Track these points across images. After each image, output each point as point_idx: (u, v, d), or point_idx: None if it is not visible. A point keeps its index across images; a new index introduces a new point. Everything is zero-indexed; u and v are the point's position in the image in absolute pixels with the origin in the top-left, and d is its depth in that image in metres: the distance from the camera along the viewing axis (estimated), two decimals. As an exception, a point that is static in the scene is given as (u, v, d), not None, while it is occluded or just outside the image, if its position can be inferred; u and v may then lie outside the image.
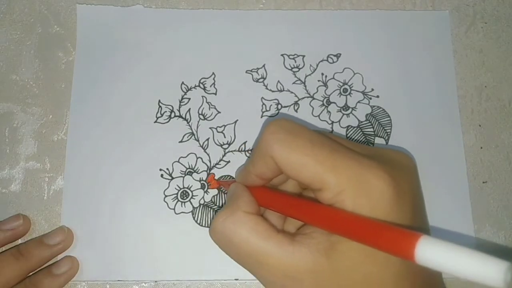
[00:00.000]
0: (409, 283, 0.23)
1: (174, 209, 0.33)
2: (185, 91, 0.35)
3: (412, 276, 0.23)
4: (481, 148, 0.35)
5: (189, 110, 0.35)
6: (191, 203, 0.33)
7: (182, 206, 0.33)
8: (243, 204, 0.25)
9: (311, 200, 0.24)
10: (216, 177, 0.34)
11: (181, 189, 0.33)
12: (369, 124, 0.35)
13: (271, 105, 0.35)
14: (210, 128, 0.35)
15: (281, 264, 0.23)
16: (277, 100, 0.35)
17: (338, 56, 0.36)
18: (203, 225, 0.33)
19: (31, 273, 0.31)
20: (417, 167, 0.26)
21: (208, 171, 0.34)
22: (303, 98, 0.36)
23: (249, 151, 0.34)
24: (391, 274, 0.22)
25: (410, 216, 0.23)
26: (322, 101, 0.36)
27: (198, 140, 0.34)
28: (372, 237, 0.19)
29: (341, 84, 0.36)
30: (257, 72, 0.36)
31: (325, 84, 0.36)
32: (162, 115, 0.35)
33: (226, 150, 0.34)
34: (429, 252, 0.16)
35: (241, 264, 0.25)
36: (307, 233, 0.23)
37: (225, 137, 0.35)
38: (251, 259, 0.24)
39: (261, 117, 0.35)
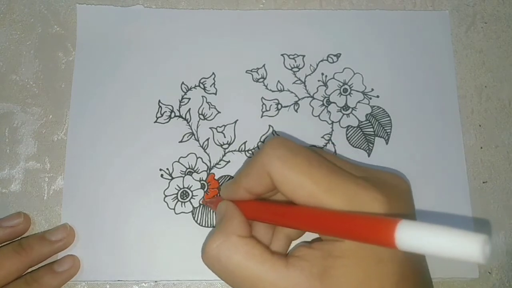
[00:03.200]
0: None
1: (174, 209, 0.33)
2: (185, 91, 0.35)
3: None
4: (481, 148, 0.35)
5: (189, 110, 0.35)
6: (191, 203, 0.33)
7: (182, 206, 0.33)
8: (237, 228, 0.25)
9: (297, 206, 0.24)
10: (216, 177, 0.34)
11: (181, 189, 0.33)
12: (369, 124, 0.35)
13: (271, 105, 0.35)
14: (210, 128, 0.35)
15: (279, 285, 0.23)
16: (277, 100, 0.35)
17: (338, 56, 0.36)
18: (203, 225, 0.33)
19: (32, 269, 0.31)
20: (411, 189, 0.27)
21: (208, 171, 0.34)
22: (303, 98, 0.36)
23: (249, 151, 0.34)
24: None
25: None
26: (322, 101, 0.36)
27: (198, 140, 0.34)
28: (354, 229, 0.20)
29: (341, 84, 0.36)
30: (257, 72, 0.36)
31: (325, 84, 0.36)
32: (162, 115, 0.35)
33: (226, 150, 0.34)
34: (409, 235, 0.16)
35: (234, 287, 0.25)
36: (300, 255, 0.24)
37: (225, 137, 0.35)
38: (246, 284, 0.24)
39: (261, 117, 0.35)
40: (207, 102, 0.35)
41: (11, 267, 0.29)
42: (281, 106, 0.35)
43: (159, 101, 0.35)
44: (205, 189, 0.34)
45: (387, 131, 0.35)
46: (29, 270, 0.31)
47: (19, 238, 0.32)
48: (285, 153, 0.24)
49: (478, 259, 0.14)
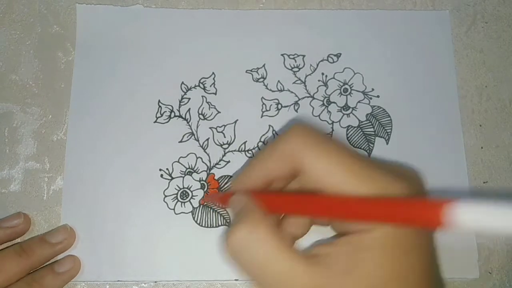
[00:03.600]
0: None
1: (174, 209, 0.33)
2: (185, 91, 0.35)
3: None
4: (482, 148, 0.35)
5: (189, 110, 0.35)
6: (191, 203, 0.33)
7: (182, 206, 0.33)
8: (261, 218, 0.23)
9: (326, 195, 0.23)
10: (216, 177, 0.34)
11: (181, 189, 0.33)
12: (370, 124, 0.35)
13: (271, 105, 0.35)
14: (210, 128, 0.35)
15: (304, 284, 0.22)
16: (277, 100, 0.35)
17: (338, 56, 0.36)
18: (203, 225, 0.33)
19: (32, 271, 0.31)
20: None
21: (208, 171, 0.34)
22: (303, 98, 0.36)
23: (249, 151, 0.34)
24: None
25: (426, 235, 0.23)
26: (322, 101, 0.36)
27: (198, 140, 0.34)
28: (405, 214, 0.18)
29: (342, 84, 0.36)
30: (257, 72, 0.36)
31: (325, 84, 0.36)
32: (162, 115, 0.35)
33: (226, 150, 0.34)
34: (469, 214, 0.15)
35: (259, 281, 0.23)
36: (324, 253, 0.23)
37: (225, 137, 0.35)
38: (276, 279, 0.22)
39: (261, 117, 0.35)
40: (207, 102, 0.35)
41: (12, 270, 0.29)
42: (281, 106, 0.35)
43: (159, 101, 0.35)
44: (205, 189, 0.33)
45: (388, 131, 0.35)
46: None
47: (19, 238, 0.32)
48: (314, 139, 0.23)
49: None
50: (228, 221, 0.33)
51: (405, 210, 0.19)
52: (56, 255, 0.32)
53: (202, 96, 0.35)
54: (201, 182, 0.34)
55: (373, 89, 0.36)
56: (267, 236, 0.22)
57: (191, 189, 0.33)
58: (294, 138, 0.24)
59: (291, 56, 0.36)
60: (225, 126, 0.35)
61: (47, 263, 0.32)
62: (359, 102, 0.36)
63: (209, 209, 0.33)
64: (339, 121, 0.35)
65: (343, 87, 0.36)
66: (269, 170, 0.25)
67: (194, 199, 0.33)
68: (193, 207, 0.33)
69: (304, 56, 0.36)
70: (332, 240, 0.24)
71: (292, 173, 0.24)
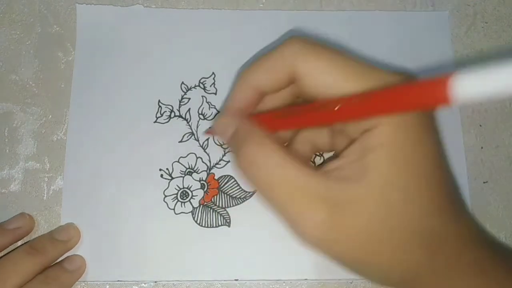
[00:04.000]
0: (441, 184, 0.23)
1: (174, 209, 0.33)
2: (185, 91, 0.35)
3: (440, 183, 0.23)
4: (482, 148, 0.35)
5: (189, 110, 0.35)
6: (191, 203, 0.33)
7: (182, 206, 0.33)
8: (266, 136, 0.23)
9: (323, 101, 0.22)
10: (216, 177, 0.34)
11: (181, 189, 0.33)
12: (370, 124, 0.35)
13: (271, 105, 0.35)
14: (210, 128, 0.35)
15: (320, 193, 0.21)
16: (277, 100, 0.35)
17: (338, 56, 0.36)
18: (203, 225, 0.33)
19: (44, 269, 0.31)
20: None
21: (208, 171, 0.34)
22: (303, 98, 0.36)
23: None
24: (425, 183, 0.22)
25: (434, 127, 0.23)
26: (322, 101, 0.36)
27: (198, 140, 0.34)
28: (406, 97, 0.18)
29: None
30: (257, 72, 0.36)
31: (325, 84, 0.36)
32: (162, 115, 0.35)
33: (226, 150, 0.34)
34: (469, 81, 0.15)
35: (272, 197, 0.23)
36: (331, 168, 0.22)
37: (225, 137, 0.34)
38: (287, 189, 0.22)
39: (261, 117, 0.35)
40: (207, 102, 0.35)
41: (28, 270, 0.29)
42: (281, 106, 0.35)
43: (159, 101, 0.35)
44: (205, 189, 0.33)
45: (388, 131, 0.35)
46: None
47: (25, 239, 0.32)
48: (311, 47, 0.23)
49: None
50: (228, 221, 0.33)
51: (408, 93, 0.18)
52: (66, 252, 0.32)
53: (202, 96, 0.35)
54: (201, 182, 0.34)
55: (373, 89, 0.36)
56: (276, 150, 0.22)
57: (191, 189, 0.33)
58: (290, 46, 0.23)
59: (291, 56, 0.36)
60: (225, 126, 0.35)
61: (55, 262, 0.32)
62: (359, 102, 0.35)
63: (209, 209, 0.33)
64: (339, 121, 0.35)
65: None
66: (260, 81, 0.24)
67: (194, 199, 0.33)
68: (193, 207, 0.33)
69: (304, 56, 0.36)
70: (340, 154, 0.23)
71: (285, 81, 0.24)
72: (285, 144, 0.28)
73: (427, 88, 0.17)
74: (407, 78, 0.22)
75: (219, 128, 0.27)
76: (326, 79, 0.22)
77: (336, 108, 0.21)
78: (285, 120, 0.24)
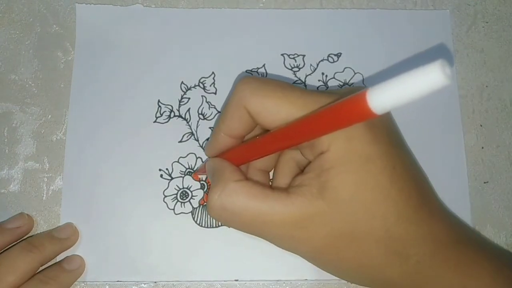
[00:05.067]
0: (403, 193, 0.24)
1: (173, 209, 0.33)
2: (185, 90, 0.35)
3: (402, 190, 0.24)
4: (482, 148, 0.35)
5: (188, 109, 0.35)
6: (190, 204, 0.33)
7: (181, 207, 0.33)
8: (231, 175, 0.25)
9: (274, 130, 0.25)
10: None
11: (180, 189, 0.33)
12: (370, 124, 0.35)
13: (271, 105, 0.35)
14: (210, 128, 0.35)
15: (284, 218, 0.23)
16: (277, 99, 0.35)
17: (338, 55, 0.36)
18: (203, 225, 0.33)
19: (41, 269, 0.31)
20: None
21: (208, 171, 0.34)
22: (303, 97, 0.35)
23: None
24: (384, 195, 0.23)
25: (386, 134, 0.25)
26: (323, 100, 0.35)
27: (198, 140, 0.34)
28: (334, 119, 0.20)
29: (342, 83, 0.36)
30: (257, 71, 0.36)
31: (326, 84, 0.36)
32: (161, 115, 0.35)
33: (226, 150, 0.34)
34: (380, 98, 0.17)
35: (248, 231, 0.26)
36: (297, 184, 0.24)
37: (225, 137, 0.34)
38: (256, 222, 0.24)
39: (261, 117, 0.35)
40: (207, 102, 0.35)
41: (26, 267, 0.29)
42: (281, 106, 0.35)
43: (159, 100, 0.35)
44: (205, 189, 0.33)
45: (388, 131, 0.35)
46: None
47: (24, 238, 0.32)
48: (258, 84, 0.25)
49: (443, 81, 0.15)
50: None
51: (332, 114, 0.20)
52: (64, 251, 0.32)
53: (202, 96, 0.35)
54: (201, 182, 0.34)
55: (373, 89, 0.36)
56: (237, 188, 0.24)
57: (191, 189, 0.33)
58: (242, 88, 0.25)
59: (291, 56, 0.36)
60: (225, 126, 0.35)
61: (55, 262, 0.32)
62: (359, 102, 0.35)
63: (209, 209, 0.33)
64: (339, 121, 0.35)
65: (343, 87, 0.36)
66: (231, 129, 0.27)
67: (194, 199, 0.33)
68: (193, 207, 0.33)
69: (304, 56, 0.36)
70: (304, 169, 0.26)
71: (249, 123, 0.26)
72: (270, 170, 0.31)
73: (349, 106, 0.19)
74: (342, 96, 0.24)
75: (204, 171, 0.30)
76: (274, 112, 0.24)
77: (257, 137, 0.25)
78: (249, 151, 0.27)
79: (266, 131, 0.29)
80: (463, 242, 0.26)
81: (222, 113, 0.27)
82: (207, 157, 0.30)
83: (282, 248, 0.26)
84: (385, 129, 0.25)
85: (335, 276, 0.28)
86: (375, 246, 0.24)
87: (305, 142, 0.24)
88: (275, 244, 0.26)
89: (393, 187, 0.24)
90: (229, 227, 0.26)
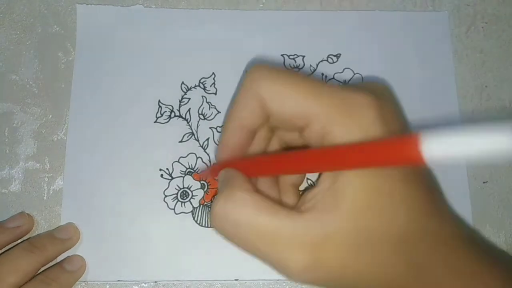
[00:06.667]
0: (419, 198, 0.23)
1: (174, 209, 0.33)
2: (185, 91, 0.35)
3: (416, 195, 0.23)
4: (482, 148, 0.35)
5: (189, 110, 0.35)
6: (191, 203, 0.33)
7: (182, 206, 0.33)
8: (240, 184, 0.23)
9: (299, 150, 0.24)
10: (216, 177, 0.34)
11: (181, 189, 0.33)
12: (369, 124, 0.35)
13: (271, 105, 0.35)
14: (210, 128, 0.35)
15: (297, 236, 0.21)
16: (277, 100, 0.35)
17: (338, 56, 0.36)
18: (203, 225, 0.33)
19: (42, 269, 0.31)
20: (395, 95, 0.26)
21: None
22: (303, 98, 0.35)
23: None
24: (399, 201, 0.22)
25: (399, 132, 0.23)
26: (322, 101, 0.35)
27: (198, 140, 0.34)
28: (375, 157, 0.18)
29: (341, 84, 0.36)
30: (257, 72, 0.36)
31: (325, 84, 0.36)
32: (162, 115, 0.35)
33: (226, 150, 0.34)
34: (435, 147, 0.15)
35: (252, 250, 0.23)
36: (309, 198, 0.23)
37: (225, 137, 0.34)
38: (264, 239, 0.22)
39: (261, 117, 0.35)
40: (207, 102, 0.35)
41: (27, 267, 0.29)
42: (281, 106, 0.35)
43: (159, 101, 0.35)
44: (205, 189, 0.33)
45: (387, 131, 0.35)
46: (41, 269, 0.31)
47: (24, 238, 0.32)
48: (270, 70, 0.24)
49: (510, 146, 0.13)
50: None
51: (374, 153, 0.18)
52: (65, 251, 0.32)
53: (202, 96, 0.35)
54: (201, 182, 0.34)
55: (373, 89, 0.36)
56: (244, 198, 0.22)
57: (191, 189, 0.33)
58: (254, 76, 0.24)
59: (291, 57, 0.36)
60: (225, 126, 0.35)
61: (55, 263, 0.32)
62: (359, 102, 0.35)
63: (209, 209, 0.33)
64: (339, 121, 0.35)
65: (343, 87, 0.36)
66: (243, 118, 0.25)
67: (194, 199, 0.33)
68: (193, 207, 0.33)
69: (304, 56, 0.36)
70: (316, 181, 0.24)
71: (260, 112, 0.24)
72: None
73: (398, 147, 0.17)
74: (369, 96, 0.22)
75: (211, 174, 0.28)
76: (287, 101, 0.23)
77: (280, 153, 0.23)
78: (263, 166, 0.25)
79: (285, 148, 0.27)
80: (475, 252, 0.25)
81: (233, 102, 0.26)
82: (215, 161, 0.28)
83: (292, 278, 0.23)
84: (397, 126, 0.23)
85: None
86: (391, 256, 0.22)
87: (318, 145, 0.23)
88: (284, 274, 0.23)
89: (408, 193, 0.22)
90: (234, 246, 0.24)
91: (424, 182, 0.24)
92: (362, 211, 0.21)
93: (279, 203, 0.24)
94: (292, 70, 0.25)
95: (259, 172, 0.26)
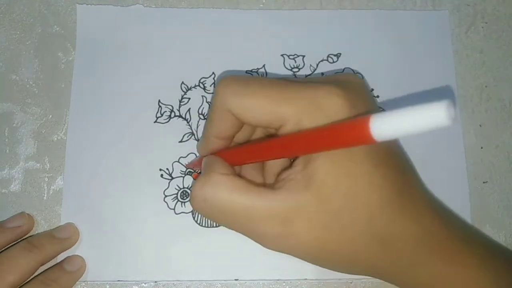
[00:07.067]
0: (386, 178, 0.24)
1: (174, 209, 0.33)
2: (185, 90, 0.35)
3: (385, 176, 0.24)
4: (482, 148, 0.35)
5: (189, 110, 0.35)
6: (191, 203, 0.33)
7: (182, 206, 0.33)
8: (217, 167, 0.25)
9: (272, 137, 0.25)
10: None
11: (181, 189, 0.33)
12: (369, 124, 0.35)
13: (271, 105, 0.35)
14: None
15: (269, 213, 0.23)
16: (277, 100, 0.35)
17: (338, 56, 0.36)
18: (203, 225, 0.33)
19: (42, 270, 0.31)
20: (365, 83, 0.27)
21: (208, 171, 0.34)
22: (303, 98, 0.35)
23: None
24: (368, 182, 0.23)
25: None
26: (322, 101, 0.35)
27: (198, 140, 0.34)
28: (333, 139, 0.20)
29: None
30: (257, 72, 0.36)
31: (325, 84, 0.36)
32: (162, 115, 0.35)
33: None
34: (383, 126, 0.17)
35: (230, 226, 0.25)
36: (283, 178, 0.24)
37: (225, 137, 0.34)
38: (239, 217, 0.24)
39: (261, 117, 0.35)
40: (207, 102, 0.35)
41: (26, 266, 0.29)
42: (281, 106, 0.35)
43: (159, 101, 0.35)
44: (205, 189, 0.33)
45: (387, 131, 0.35)
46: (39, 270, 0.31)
47: (24, 238, 0.32)
48: (238, 86, 0.25)
49: (445, 122, 0.15)
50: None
51: (332, 134, 0.20)
52: (64, 250, 0.32)
53: (202, 96, 0.35)
54: (201, 182, 0.34)
55: (372, 89, 0.36)
56: (220, 180, 0.24)
57: (191, 189, 0.33)
58: (223, 90, 0.25)
59: (291, 57, 0.36)
60: (225, 126, 0.35)
61: (55, 263, 0.32)
62: (359, 102, 0.35)
63: (209, 209, 0.33)
64: (339, 121, 0.35)
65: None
66: (219, 132, 0.27)
67: (194, 199, 0.33)
68: (193, 207, 0.33)
69: (304, 56, 0.36)
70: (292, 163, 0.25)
71: (236, 123, 0.26)
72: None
73: (351, 129, 0.19)
74: (336, 88, 0.24)
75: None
76: (259, 111, 0.24)
77: (253, 142, 0.26)
78: (242, 154, 0.27)
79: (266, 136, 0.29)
80: (449, 230, 0.26)
81: (207, 117, 0.27)
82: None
83: (268, 248, 0.25)
84: (366, 110, 0.25)
85: (327, 269, 0.27)
86: (360, 234, 0.24)
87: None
88: (261, 244, 0.25)
89: (376, 174, 0.23)
90: (216, 223, 0.26)
91: (396, 163, 0.25)
92: (330, 192, 0.23)
93: (260, 181, 0.27)
94: (259, 77, 0.26)
95: (239, 160, 0.27)
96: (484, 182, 0.35)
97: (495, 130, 0.35)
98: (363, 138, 0.18)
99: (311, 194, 0.23)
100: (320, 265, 0.27)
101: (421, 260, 0.25)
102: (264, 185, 0.25)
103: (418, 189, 0.27)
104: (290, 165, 0.26)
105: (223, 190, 0.24)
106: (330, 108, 0.23)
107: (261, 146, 0.25)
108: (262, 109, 0.24)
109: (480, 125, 0.35)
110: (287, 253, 0.26)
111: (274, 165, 0.28)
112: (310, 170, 0.23)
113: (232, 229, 0.25)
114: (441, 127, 0.16)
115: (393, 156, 0.25)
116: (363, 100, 0.25)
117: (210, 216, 0.25)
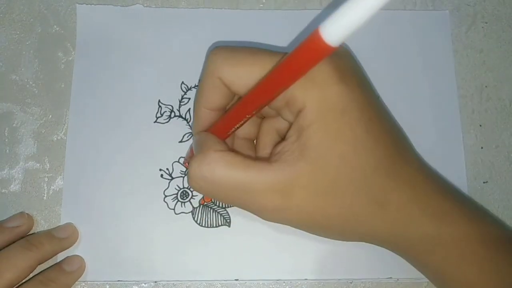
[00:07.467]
0: (378, 143, 0.25)
1: (174, 209, 0.33)
2: (185, 90, 0.35)
3: (378, 140, 0.25)
4: (482, 148, 0.35)
5: (189, 110, 0.35)
6: (191, 203, 0.33)
7: (182, 206, 0.33)
8: (212, 144, 0.25)
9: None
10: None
11: (181, 189, 0.33)
12: (370, 124, 0.35)
13: (271, 105, 0.35)
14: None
15: (267, 186, 0.24)
16: (277, 100, 0.35)
17: (338, 56, 0.36)
18: (203, 225, 0.33)
19: (41, 270, 0.31)
20: (352, 53, 0.28)
21: (208, 171, 0.34)
22: (303, 98, 0.35)
23: (249, 151, 0.34)
24: (362, 146, 0.24)
25: (357, 84, 0.25)
26: (322, 101, 0.35)
27: (198, 140, 0.34)
28: (297, 65, 0.21)
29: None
30: (257, 72, 0.36)
31: (325, 84, 0.36)
32: (162, 115, 0.35)
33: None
34: (332, 29, 0.18)
35: (230, 201, 0.26)
36: (278, 151, 0.25)
37: (225, 137, 0.34)
38: (238, 192, 0.24)
39: (261, 117, 0.35)
40: (207, 102, 0.35)
41: (23, 265, 0.29)
42: (281, 106, 0.35)
43: (159, 101, 0.35)
44: (205, 189, 0.33)
45: (388, 131, 0.35)
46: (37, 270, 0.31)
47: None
48: (228, 53, 0.25)
49: None
50: (228, 220, 0.33)
51: (294, 61, 0.20)
52: (63, 250, 0.32)
53: (202, 96, 0.35)
54: (201, 182, 0.34)
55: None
56: (217, 157, 0.24)
57: (191, 189, 0.33)
58: (214, 59, 0.25)
59: (291, 56, 0.36)
60: (225, 126, 0.35)
61: (54, 263, 0.32)
62: (359, 102, 0.35)
63: (209, 209, 0.33)
64: (339, 121, 0.35)
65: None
66: (210, 102, 0.27)
67: (194, 199, 0.33)
68: (193, 207, 0.33)
69: (304, 56, 0.36)
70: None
71: (227, 93, 0.26)
72: (254, 139, 0.31)
73: (307, 47, 0.19)
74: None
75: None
76: (247, 78, 0.24)
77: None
78: (227, 120, 0.27)
79: None
80: (441, 192, 0.27)
81: (198, 87, 0.27)
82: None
83: (268, 220, 0.26)
84: (356, 78, 0.25)
85: (326, 237, 0.28)
86: (356, 197, 0.24)
87: (282, 104, 0.24)
88: (260, 217, 0.26)
89: (370, 138, 0.24)
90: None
91: (388, 129, 0.26)
92: (325, 159, 0.23)
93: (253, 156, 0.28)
94: (250, 47, 0.26)
95: (229, 125, 0.27)
96: (484, 182, 0.35)
97: (495, 130, 0.35)
98: (321, 49, 0.18)
99: (306, 163, 0.23)
100: (319, 234, 0.27)
101: (414, 220, 0.26)
102: (259, 159, 0.25)
103: (409, 152, 0.28)
104: (283, 139, 0.26)
105: (221, 167, 0.24)
106: (319, 75, 0.24)
107: (239, 105, 0.25)
108: (253, 77, 0.24)
109: (480, 125, 0.35)
110: (287, 224, 0.26)
111: (266, 140, 0.28)
112: (304, 139, 0.23)
113: (232, 205, 0.25)
114: (383, 3, 0.16)
115: (385, 120, 0.26)
116: (350, 67, 0.26)
117: (209, 194, 0.26)
